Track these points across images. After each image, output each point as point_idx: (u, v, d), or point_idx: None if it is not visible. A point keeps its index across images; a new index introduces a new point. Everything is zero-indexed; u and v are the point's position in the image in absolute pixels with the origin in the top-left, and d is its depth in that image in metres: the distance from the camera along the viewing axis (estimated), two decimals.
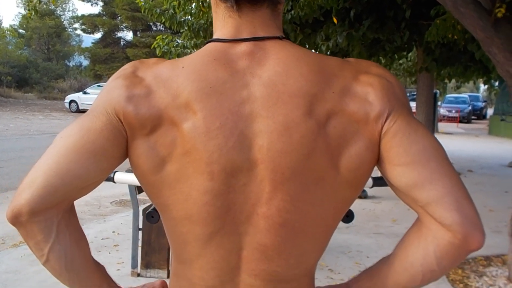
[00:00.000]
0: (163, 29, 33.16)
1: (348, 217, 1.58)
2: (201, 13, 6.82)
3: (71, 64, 41.93)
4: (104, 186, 0.87)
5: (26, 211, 0.76)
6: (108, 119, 0.81)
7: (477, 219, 0.78)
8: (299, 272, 0.88)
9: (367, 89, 0.82)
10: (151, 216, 1.80)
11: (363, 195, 6.98)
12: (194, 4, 6.87)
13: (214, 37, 0.88)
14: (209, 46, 0.86)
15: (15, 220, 0.77)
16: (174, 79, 0.81)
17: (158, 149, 0.81)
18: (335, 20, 5.50)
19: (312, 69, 0.82)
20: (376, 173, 0.99)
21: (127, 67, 0.87)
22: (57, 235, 0.80)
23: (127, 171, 3.02)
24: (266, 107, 0.80)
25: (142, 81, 0.83)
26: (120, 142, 0.81)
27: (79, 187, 0.80)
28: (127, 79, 0.83)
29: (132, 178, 2.67)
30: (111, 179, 2.69)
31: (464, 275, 4.04)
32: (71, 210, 0.84)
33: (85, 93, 24.05)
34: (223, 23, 0.87)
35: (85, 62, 40.90)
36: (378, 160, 0.83)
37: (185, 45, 7.78)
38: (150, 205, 3.33)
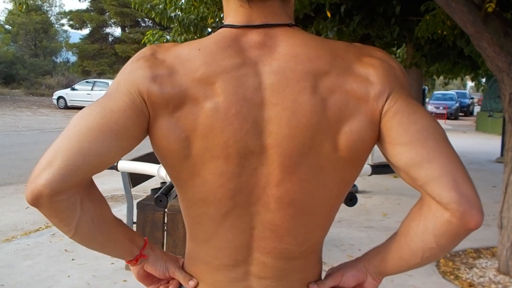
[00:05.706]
0: (151, 25, 33.03)
1: (352, 200, 1.62)
2: (192, 7, 6.82)
3: (58, 60, 41.55)
4: (95, 182, 0.88)
5: (46, 193, 0.75)
6: (131, 99, 0.83)
7: (475, 198, 0.78)
8: (306, 249, 0.93)
9: (368, 69, 0.85)
10: (160, 200, 1.83)
11: (353, 190, 6.99)
12: None
13: (226, 23, 0.91)
14: (222, 31, 0.89)
15: (36, 202, 0.76)
16: (192, 60, 0.84)
17: (180, 128, 0.83)
18: (328, 14, 5.54)
19: (319, 52, 0.86)
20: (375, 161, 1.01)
21: (145, 50, 0.89)
22: (82, 209, 0.81)
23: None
24: (275, 94, 0.83)
25: (164, 62, 0.85)
26: (141, 121, 0.84)
27: (98, 165, 0.81)
28: (149, 61, 0.86)
29: (134, 166, 2.67)
30: (115, 167, 2.70)
31: (455, 267, 4.10)
32: (91, 181, 0.85)
33: (73, 89, 23.73)
34: (235, 11, 0.90)
35: (73, 58, 40.56)
36: (378, 140, 0.86)
37: (175, 40, 7.76)
38: (148, 197, 3.33)
